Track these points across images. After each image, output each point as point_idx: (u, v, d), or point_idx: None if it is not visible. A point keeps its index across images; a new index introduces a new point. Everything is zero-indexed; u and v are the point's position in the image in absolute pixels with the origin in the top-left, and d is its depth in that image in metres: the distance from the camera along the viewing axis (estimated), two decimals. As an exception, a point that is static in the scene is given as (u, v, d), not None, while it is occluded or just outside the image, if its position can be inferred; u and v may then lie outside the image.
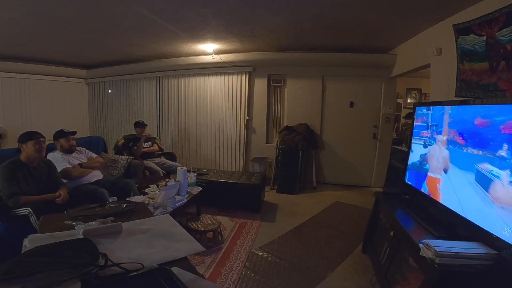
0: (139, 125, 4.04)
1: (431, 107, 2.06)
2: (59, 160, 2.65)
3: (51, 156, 2.65)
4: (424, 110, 2.16)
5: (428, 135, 2.06)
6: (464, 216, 1.52)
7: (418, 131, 2.22)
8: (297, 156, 4.28)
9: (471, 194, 1.49)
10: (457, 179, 1.64)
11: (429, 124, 2.06)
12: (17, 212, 2.07)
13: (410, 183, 2.26)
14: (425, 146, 2.09)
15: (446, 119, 1.83)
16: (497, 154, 1.33)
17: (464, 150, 1.59)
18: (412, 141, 2.28)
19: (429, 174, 1.98)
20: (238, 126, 4.99)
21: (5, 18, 2.88)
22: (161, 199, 2.36)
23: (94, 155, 3.14)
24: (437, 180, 1.85)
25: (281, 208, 3.65)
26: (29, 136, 2.21)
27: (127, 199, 2.18)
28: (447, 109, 1.83)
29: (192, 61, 4.87)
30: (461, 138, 1.64)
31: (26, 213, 2.04)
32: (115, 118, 6.02)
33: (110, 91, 6.04)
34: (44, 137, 2.30)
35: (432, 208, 1.89)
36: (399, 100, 5.57)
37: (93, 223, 1.28)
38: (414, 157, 2.23)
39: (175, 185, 2.58)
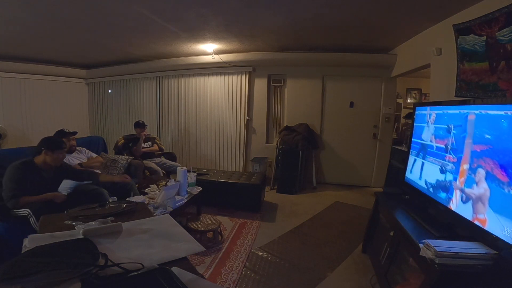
0: (139, 125, 4.04)
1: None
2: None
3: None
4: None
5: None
6: (464, 216, 1.52)
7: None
8: (297, 156, 4.28)
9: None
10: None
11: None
12: (17, 213, 2.06)
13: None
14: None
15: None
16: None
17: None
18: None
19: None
20: (238, 126, 4.99)
21: (5, 18, 2.88)
22: (161, 199, 2.36)
23: (94, 155, 3.14)
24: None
25: (281, 208, 3.65)
26: (58, 145, 2.17)
27: (127, 199, 2.18)
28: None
29: (192, 61, 4.87)
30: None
31: (25, 214, 2.02)
32: (115, 118, 6.02)
33: (110, 91, 6.04)
34: (64, 138, 2.33)
35: (432, 208, 1.89)
36: (399, 100, 5.58)
37: (93, 223, 1.28)
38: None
39: (175, 185, 2.58)
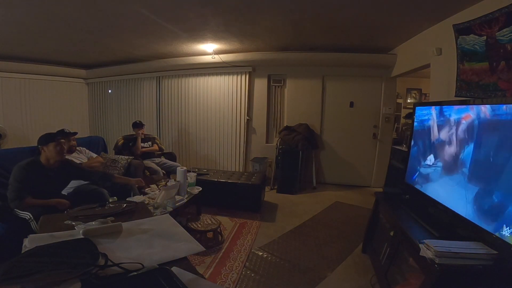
0: (137, 125, 4.05)
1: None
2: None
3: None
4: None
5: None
6: (464, 216, 1.52)
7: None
8: (297, 156, 4.28)
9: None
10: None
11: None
12: (18, 213, 2.05)
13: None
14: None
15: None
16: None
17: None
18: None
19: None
20: (238, 126, 4.99)
21: (5, 18, 2.88)
22: (161, 199, 2.36)
23: (94, 155, 3.14)
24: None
25: (281, 208, 3.65)
26: (50, 138, 2.15)
27: (127, 199, 2.18)
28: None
29: (192, 61, 4.87)
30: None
31: (27, 218, 1.99)
32: (115, 118, 6.02)
33: (110, 91, 6.04)
34: (65, 138, 2.27)
35: (432, 208, 1.89)
36: (399, 100, 5.57)
37: (93, 223, 1.29)
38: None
39: (175, 185, 2.58)
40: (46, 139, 2.15)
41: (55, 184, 2.24)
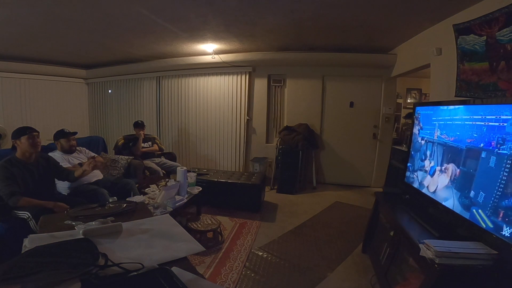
0: (138, 125, 4.06)
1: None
2: (59, 160, 2.65)
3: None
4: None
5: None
6: (464, 216, 1.52)
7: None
8: (297, 156, 4.28)
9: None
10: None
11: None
12: (17, 214, 2.05)
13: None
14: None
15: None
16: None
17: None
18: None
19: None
20: (238, 126, 4.99)
21: (5, 18, 2.88)
22: (161, 199, 2.36)
23: (94, 155, 3.14)
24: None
25: (281, 208, 3.65)
26: (22, 131, 2.17)
27: (127, 199, 2.18)
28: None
29: (192, 61, 4.87)
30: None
31: (25, 217, 2.00)
32: (115, 118, 6.03)
33: (110, 91, 6.04)
34: (38, 132, 2.25)
35: (432, 208, 1.89)
36: (399, 100, 5.56)
37: (93, 223, 1.28)
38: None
39: (175, 185, 2.58)
40: (18, 133, 2.17)
41: (41, 179, 2.24)
